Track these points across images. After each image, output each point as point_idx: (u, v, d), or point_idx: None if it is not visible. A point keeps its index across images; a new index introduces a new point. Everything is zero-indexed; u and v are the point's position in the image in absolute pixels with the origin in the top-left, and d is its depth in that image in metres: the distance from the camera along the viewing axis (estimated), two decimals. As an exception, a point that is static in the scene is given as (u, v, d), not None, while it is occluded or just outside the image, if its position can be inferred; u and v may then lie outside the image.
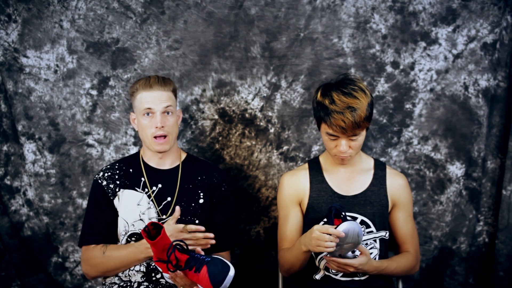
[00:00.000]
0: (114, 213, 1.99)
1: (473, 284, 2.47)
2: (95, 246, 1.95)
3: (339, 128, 1.79)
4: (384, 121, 2.41)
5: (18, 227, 2.48)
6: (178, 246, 1.67)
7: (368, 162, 2.04)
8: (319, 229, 1.71)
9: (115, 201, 1.99)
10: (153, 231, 1.67)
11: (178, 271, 1.66)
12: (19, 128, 2.42)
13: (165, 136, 1.93)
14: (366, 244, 1.95)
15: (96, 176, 2.03)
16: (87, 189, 2.44)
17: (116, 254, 1.92)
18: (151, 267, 1.94)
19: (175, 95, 2.01)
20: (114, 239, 2.00)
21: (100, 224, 1.98)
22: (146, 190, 1.99)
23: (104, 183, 2.00)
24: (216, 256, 1.69)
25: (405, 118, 2.40)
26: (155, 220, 1.96)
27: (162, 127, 1.90)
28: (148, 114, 1.92)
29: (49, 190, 2.45)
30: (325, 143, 1.93)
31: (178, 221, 1.89)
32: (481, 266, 2.47)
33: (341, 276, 1.93)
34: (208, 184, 2.02)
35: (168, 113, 1.94)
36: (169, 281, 1.88)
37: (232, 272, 1.63)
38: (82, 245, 1.99)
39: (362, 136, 1.87)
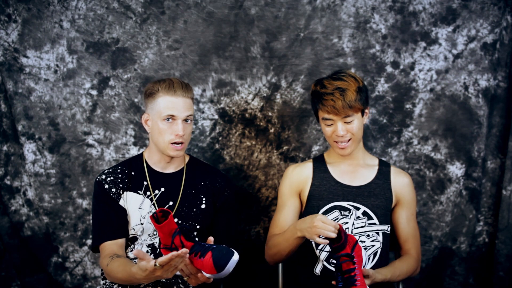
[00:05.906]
0: (122, 212, 1.94)
1: (473, 284, 2.47)
2: (106, 254, 1.85)
3: (330, 108, 1.88)
4: (384, 121, 2.41)
5: (18, 227, 2.48)
6: (183, 232, 1.68)
7: (372, 160, 2.08)
8: (322, 220, 1.72)
9: (121, 202, 1.95)
10: (162, 218, 1.69)
11: (185, 254, 1.59)
12: (19, 128, 2.42)
13: (181, 143, 1.91)
14: (368, 235, 1.95)
15: (98, 177, 1.97)
16: (87, 189, 2.44)
17: (116, 270, 1.79)
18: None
19: (193, 102, 1.98)
20: (125, 231, 1.93)
21: (109, 218, 1.91)
22: (148, 193, 1.97)
23: (106, 186, 1.95)
24: (222, 245, 1.68)
25: (405, 118, 2.40)
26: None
27: (183, 135, 1.89)
28: (168, 120, 1.88)
29: (49, 190, 2.45)
30: (324, 131, 1.98)
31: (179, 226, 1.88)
32: (481, 266, 2.46)
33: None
34: (211, 189, 2.01)
35: (187, 121, 1.92)
36: (177, 274, 1.81)
37: (236, 257, 1.62)
38: (95, 244, 1.91)
39: (357, 120, 1.92)
